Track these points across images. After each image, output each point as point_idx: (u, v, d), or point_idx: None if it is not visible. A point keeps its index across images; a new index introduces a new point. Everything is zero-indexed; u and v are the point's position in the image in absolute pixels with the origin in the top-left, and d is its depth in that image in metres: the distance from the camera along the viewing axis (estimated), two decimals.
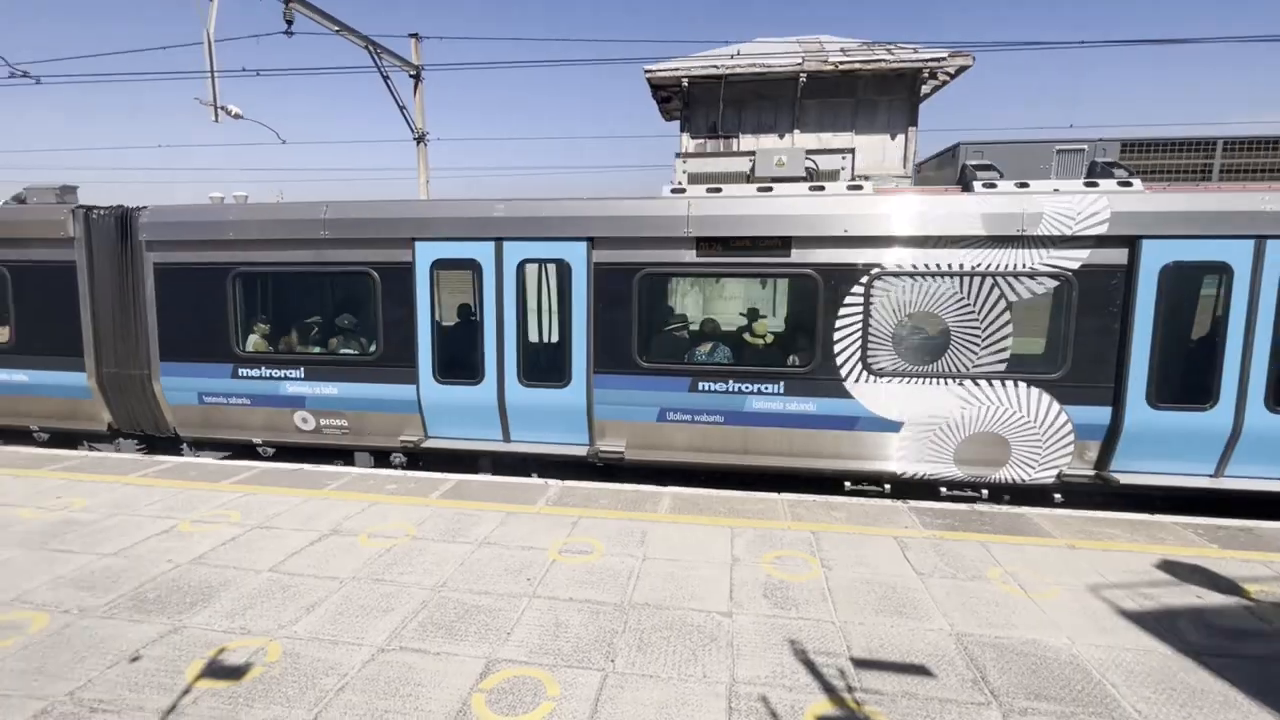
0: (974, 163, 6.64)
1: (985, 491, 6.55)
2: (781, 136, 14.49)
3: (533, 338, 7.56)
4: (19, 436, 8.31)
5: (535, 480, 6.66)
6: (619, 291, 6.58)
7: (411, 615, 3.96)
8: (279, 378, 7.39)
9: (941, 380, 6.21)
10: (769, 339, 7.26)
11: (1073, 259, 5.88)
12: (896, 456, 6.44)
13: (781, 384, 6.49)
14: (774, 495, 6.18)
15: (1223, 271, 5.75)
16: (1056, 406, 6.07)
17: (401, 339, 7.02)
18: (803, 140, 14.18)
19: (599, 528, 5.36)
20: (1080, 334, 5.96)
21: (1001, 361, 6.10)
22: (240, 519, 5.50)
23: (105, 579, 4.42)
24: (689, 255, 6.49)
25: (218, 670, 3.40)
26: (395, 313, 7.01)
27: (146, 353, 7.62)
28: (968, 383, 6.17)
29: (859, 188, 6.43)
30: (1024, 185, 6.12)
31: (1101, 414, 6.02)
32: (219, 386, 7.53)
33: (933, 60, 13.31)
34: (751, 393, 6.52)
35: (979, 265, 6.01)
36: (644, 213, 6.50)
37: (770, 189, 6.54)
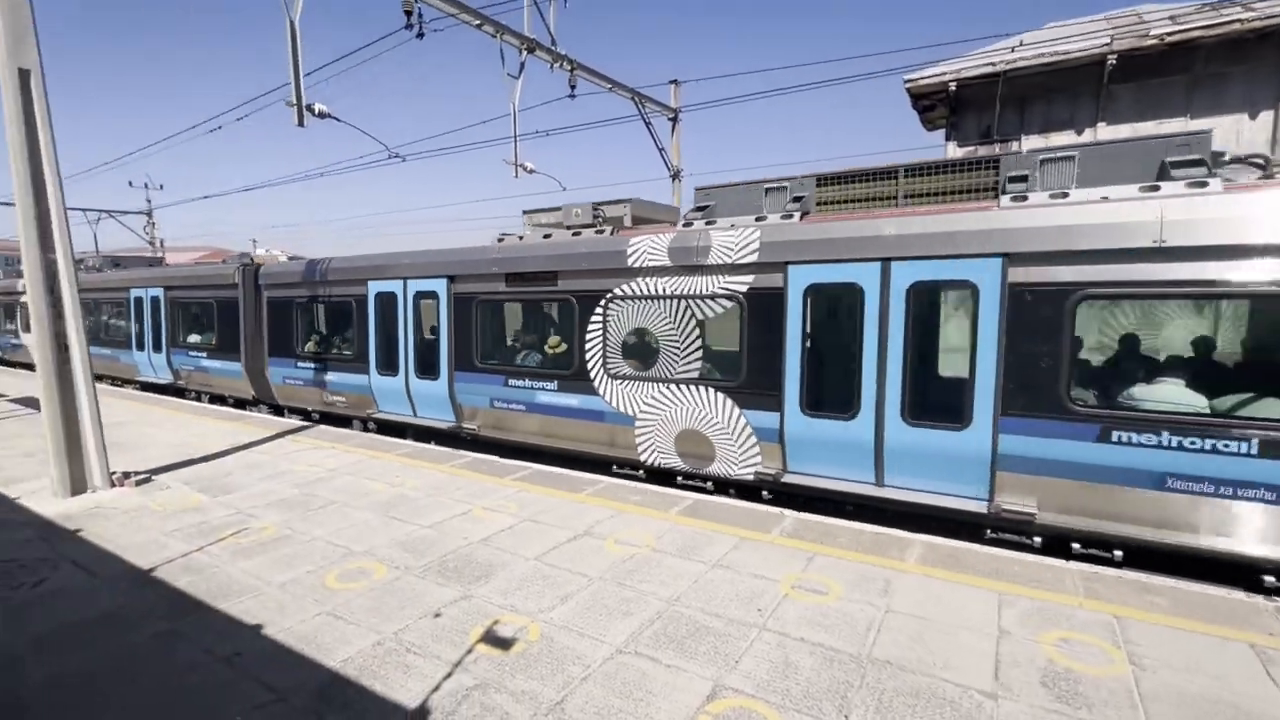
0: (700, 203, 7.81)
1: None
2: (1080, 132, 12.19)
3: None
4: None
5: (771, 508, 6.54)
6: (467, 311, 9.14)
7: (648, 623, 4.18)
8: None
9: (655, 383, 7.48)
10: (559, 349, 8.73)
11: (742, 283, 6.80)
12: (639, 446, 7.76)
13: (556, 383, 8.28)
14: (1060, 563, 5.11)
15: (856, 292, 6.19)
16: (739, 411, 6.95)
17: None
18: (1111, 133, 11.73)
19: (836, 568, 5.04)
20: (751, 348, 6.79)
21: (697, 370, 7.23)
22: (517, 510, 6.45)
23: (422, 545, 5.55)
24: (501, 285, 8.81)
25: (492, 639, 4.00)
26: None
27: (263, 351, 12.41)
28: (673, 386, 7.36)
29: (603, 230, 8.19)
30: (710, 221, 7.24)
31: (773, 419, 6.71)
32: (288, 373, 12.02)
33: None
34: (539, 389, 8.49)
35: (676, 289, 7.24)
36: (473, 258, 9.05)
37: (549, 235, 8.62)
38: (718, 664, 3.71)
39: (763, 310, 6.68)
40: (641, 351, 7.77)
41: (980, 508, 5.72)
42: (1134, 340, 6.03)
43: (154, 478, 7.68)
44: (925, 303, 6.45)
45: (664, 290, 7.30)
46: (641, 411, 7.60)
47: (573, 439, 8.32)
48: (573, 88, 13.85)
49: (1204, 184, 4.93)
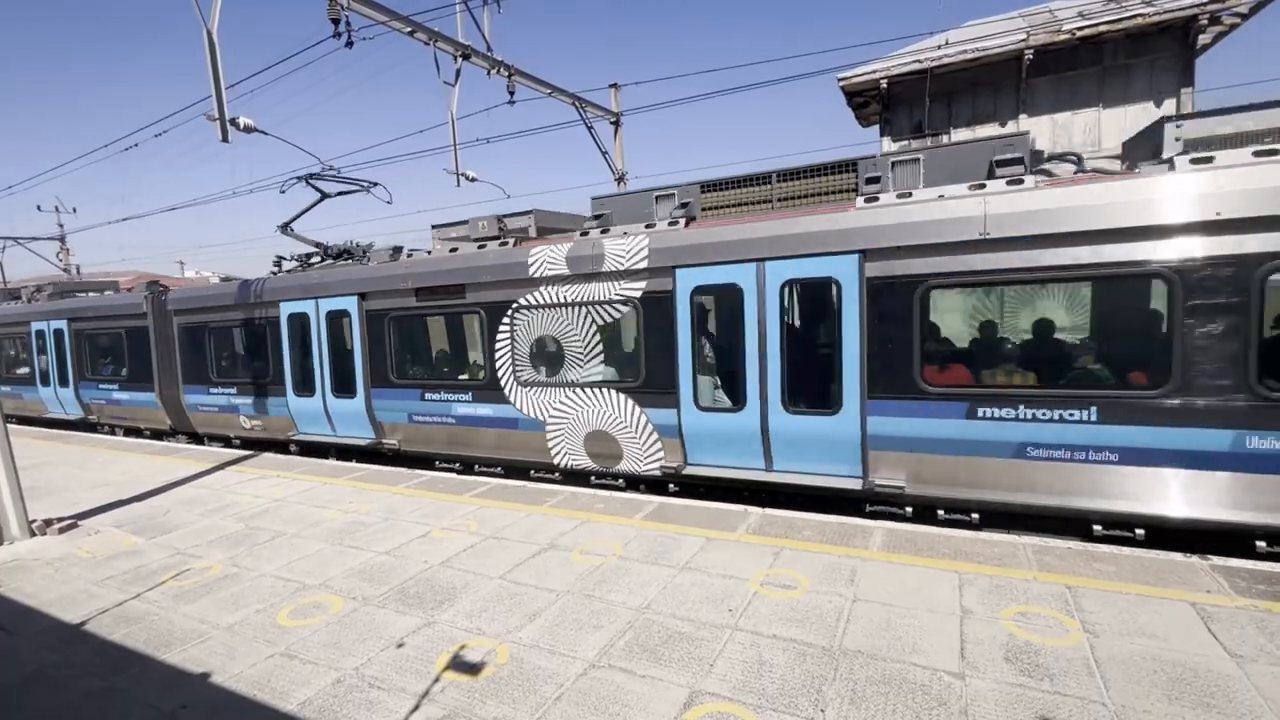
0: (596, 212, 8.15)
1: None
2: (1003, 124, 12.79)
3: None
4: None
5: (735, 506, 6.57)
6: (379, 328, 9.18)
7: (619, 634, 4.11)
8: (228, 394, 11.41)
9: (562, 388, 7.72)
10: (471, 361, 8.94)
11: (636, 288, 7.08)
12: (551, 450, 7.94)
13: (471, 393, 8.40)
14: (1013, 538, 5.31)
15: (737, 291, 6.56)
16: (640, 410, 7.23)
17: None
18: (1033, 124, 12.35)
19: (802, 561, 5.09)
20: (649, 350, 7.09)
21: (600, 374, 7.55)
22: (477, 528, 6.27)
23: (380, 573, 5.33)
24: (412, 300, 8.75)
25: (459, 665, 3.86)
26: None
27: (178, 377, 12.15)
28: (579, 390, 7.59)
29: (507, 242, 8.30)
30: (605, 230, 7.53)
31: (671, 416, 7.05)
32: (204, 400, 11.79)
33: (1213, 1, 10.73)
34: (455, 401, 8.57)
35: (576, 297, 7.46)
36: (382, 274, 9.01)
37: (455, 249, 8.68)
38: (692, 669, 3.67)
39: (656, 313, 7.01)
40: (547, 359, 8.02)
41: (856, 485, 6.19)
42: (980, 324, 6.54)
43: (80, 523, 7.14)
44: (797, 298, 6.93)
45: (565, 298, 7.58)
46: (551, 417, 7.85)
47: (490, 448, 8.53)
48: (511, 94, 13.66)
49: (1020, 181, 5.48)
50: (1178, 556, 4.80)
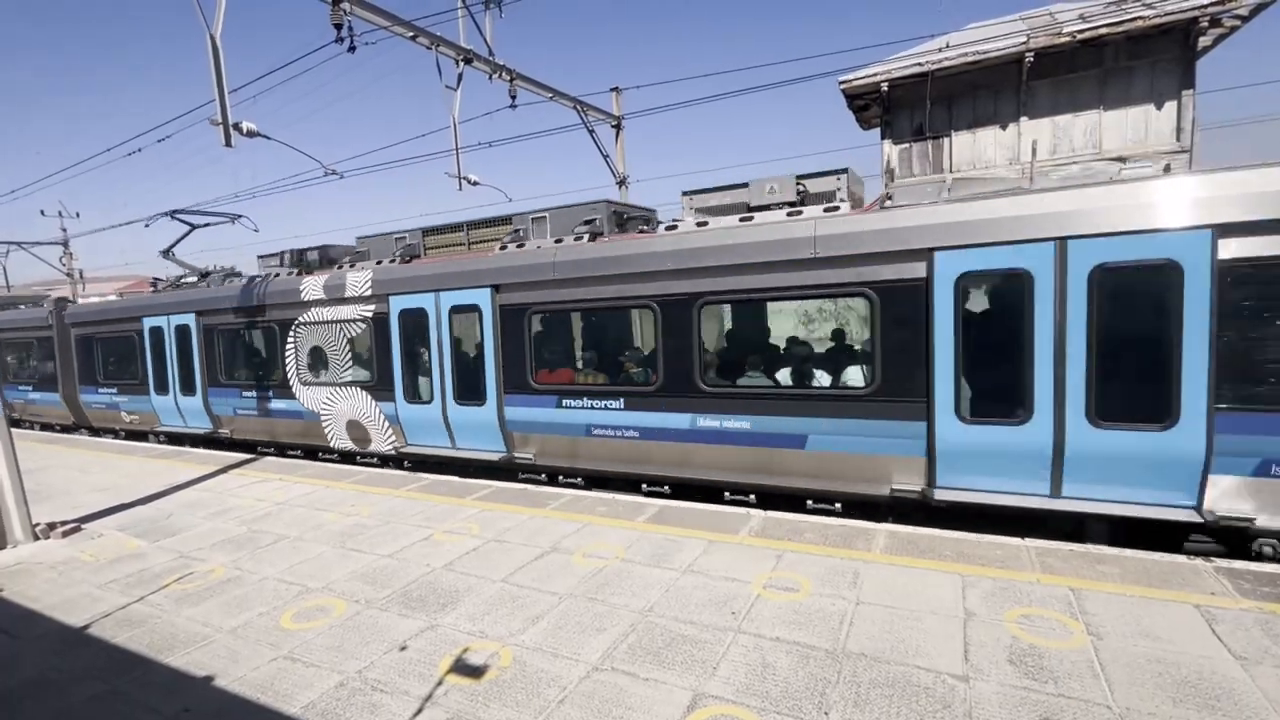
0: (359, 249, 11.11)
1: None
2: (1005, 127, 12.79)
3: None
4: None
5: (738, 509, 6.57)
6: (212, 339, 11.65)
7: (622, 637, 4.11)
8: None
9: (326, 387, 10.05)
10: (274, 365, 10.78)
11: (368, 310, 9.41)
12: (327, 436, 10.26)
13: (271, 391, 10.78)
14: (1016, 540, 5.29)
15: (425, 313, 8.90)
16: (376, 404, 9.52)
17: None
18: (1034, 127, 12.36)
19: (805, 564, 5.08)
20: (377, 357, 9.39)
21: (350, 375, 9.84)
22: (480, 531, 6.27)
23: (383, 576, 5.33)
24: (231, 318, 11.29)
25: (462, 668, 3.86)
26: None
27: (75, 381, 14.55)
28: (337, 388, 9.92)
29: (293, 272, 10.76)
30: (346, 265, 10.37)
31: (392, 408, 9.36)
32: (94, 399, 14.20)
33: (1214, 4, 10.74)
34: (263, 397, 10.90)
35: (330, 316, 9.85)
36: (215, 295, 11.48)
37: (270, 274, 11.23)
38: (696, 672, 3.67)
39: (380, 329, 9.33)
40: (316, 364, 10.29)
41: (501, 459, 8.57)
42: (557, 336, 8.58)
43: (83, 526, 7.15)
44: (461, 321, 8.86)
45: (323, 317, 9.97)
46: (323, 409, 10.17)
47: (290, 435, 10.88)
48: (513, 98, 13.69)
49: (582, 237, 8.04)
50: (1181, 558, 4.79)
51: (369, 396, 9.54)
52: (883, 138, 14.12)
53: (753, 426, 6.71)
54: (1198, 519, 5.01)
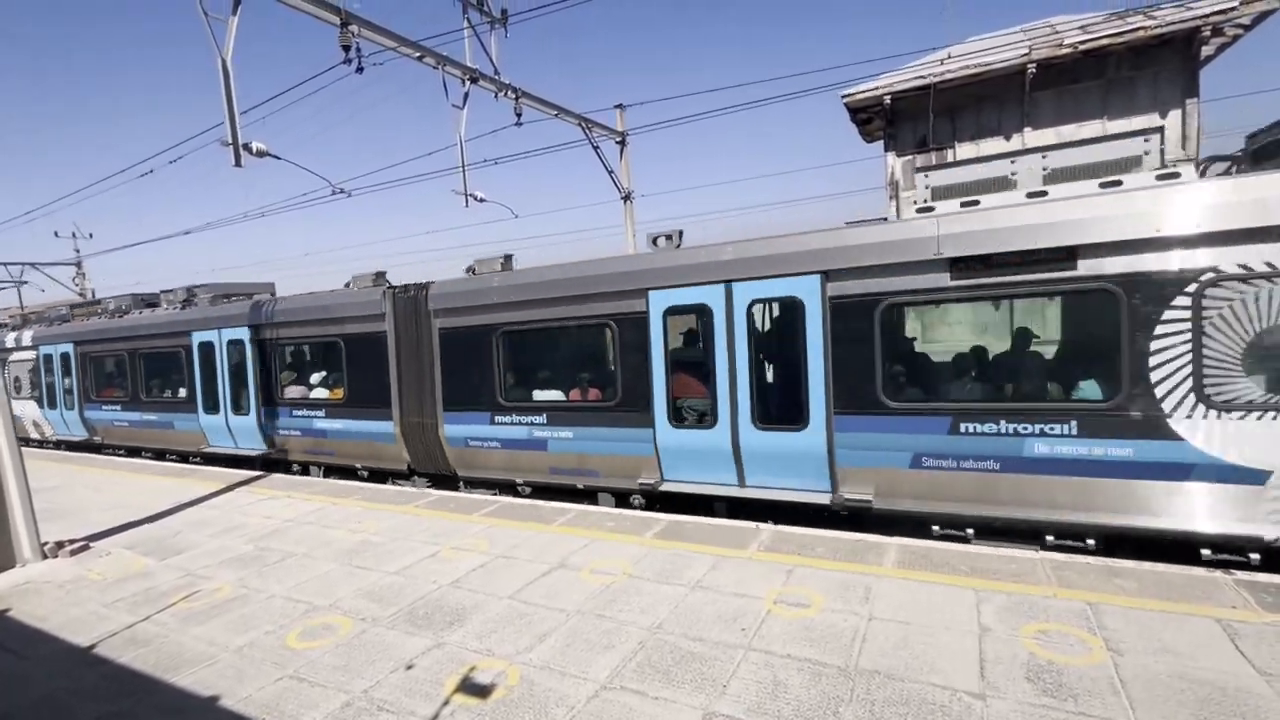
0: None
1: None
2: (1009, 138, 12.81)
3: None
4: None
5: (747, 524, 6.50)
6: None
7: (630, 655, 4.05)
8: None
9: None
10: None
11: (26, 355, 14.46)
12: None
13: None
14: (1031, 554, 5.21)
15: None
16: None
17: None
18: (1037, 137, 12.36)
19: (816, 578, 5.01)
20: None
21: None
22: (487, 548, 6.23)
23: (389, 593, 5.29)
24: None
25: (469, 687, 3.81)
26: None
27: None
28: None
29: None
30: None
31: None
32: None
33: (1216, 14, 10.76)
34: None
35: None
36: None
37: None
38: (706, 691, 3.61)
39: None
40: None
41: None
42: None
43: (92, 545, 7.15)
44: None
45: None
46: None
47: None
48: (519, 115, 13.85)
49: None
50: (1199, 571, 4.69)
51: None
52: (886, 150, 14.14)
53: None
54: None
